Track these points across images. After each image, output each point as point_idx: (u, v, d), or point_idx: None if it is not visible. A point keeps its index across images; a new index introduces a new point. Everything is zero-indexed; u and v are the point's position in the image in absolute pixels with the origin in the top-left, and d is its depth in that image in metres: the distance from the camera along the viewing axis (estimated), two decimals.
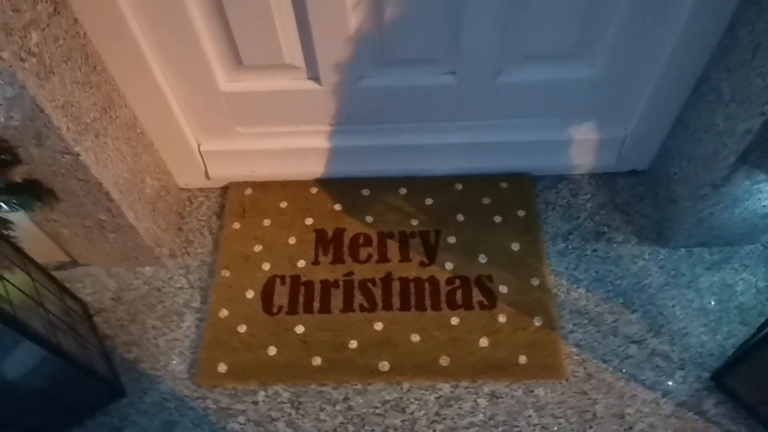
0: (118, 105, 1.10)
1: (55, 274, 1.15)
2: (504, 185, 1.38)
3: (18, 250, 1.03)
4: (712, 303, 1.22)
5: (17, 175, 0.99)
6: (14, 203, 0.99)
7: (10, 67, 0.82)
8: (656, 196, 1.34)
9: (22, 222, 1.10)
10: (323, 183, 1.40)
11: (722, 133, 1.07)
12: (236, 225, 1.34)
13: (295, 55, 1.13)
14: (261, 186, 1.40)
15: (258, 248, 1.31)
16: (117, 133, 1.09)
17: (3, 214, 1.00)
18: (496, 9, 1.03)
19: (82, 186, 1.03)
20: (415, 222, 1.34)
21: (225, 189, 1.41)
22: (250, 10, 1.02)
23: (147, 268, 1.29)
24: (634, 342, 1.17)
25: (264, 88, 1.20)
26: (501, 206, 1.35)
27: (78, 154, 0.96)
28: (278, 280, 1.27)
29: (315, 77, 1.18)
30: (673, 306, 1.21)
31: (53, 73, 0.90)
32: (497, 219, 1.33)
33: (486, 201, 1.36)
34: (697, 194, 1.16)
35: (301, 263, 1.29)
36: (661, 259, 1.27)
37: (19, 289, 0.94)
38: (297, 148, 1.33)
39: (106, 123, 1.05)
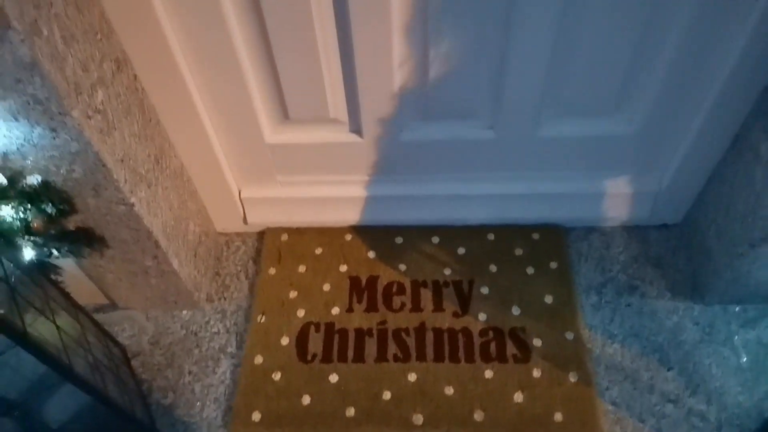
0: (169, 155, 1.14)
1: (95, 316, 1.17)
2: (536, 236, 1.39)
3: (66, 295, 1.06)
4: (749, 361, 1.21)
5: (71, 223, 1.02)
6: (66, 250, 1.01)
7: (78, 125, 0.85)
8: (689, 251, 1.35)
9: (67, 266, 1.13)
10: (358, 230, 1.42)
11: (760, 193, 1.08)
12: (272, 270, 1.36)
13: (339, 109, 1.17)
14: (297, 232, 1.42)
15: (293, 294, 1.33)
16: (167, 182, 1.13)
17: (53, 260, 1.02)
18: (538, 67, 1.06)
19: (133, 234, 1.06)
20: (448, 271, 1.35)
21: (261, 234, 1.43)
22: (300, 67, 1.07)
23: (184, 312, 1.31)
24: (671, 401, 1.16)
25: (307, 140, 1.23)
26: (533, 257, 1.36)
27: (132, 205, 0.99)
28: (313, 327, 1.28)
29: (357, 130, 1.22)
30: (709, 364, 1.20)
31: (115, 128, 0.94)
32: (530, 270, 1.34)
33: (518, 252, 1.37)
34: (733, 252, 1.17)
35: (336, 310, 1.30)
36: (696, 314, 1.27)
37: (68, 334, 0.96)
38: (334, 196, 1.36)
39: (157, 173, 1.09)
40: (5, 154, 0.91)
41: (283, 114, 1.18)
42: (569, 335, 1.24)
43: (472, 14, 0.97)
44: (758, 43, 0.97)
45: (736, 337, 1.24)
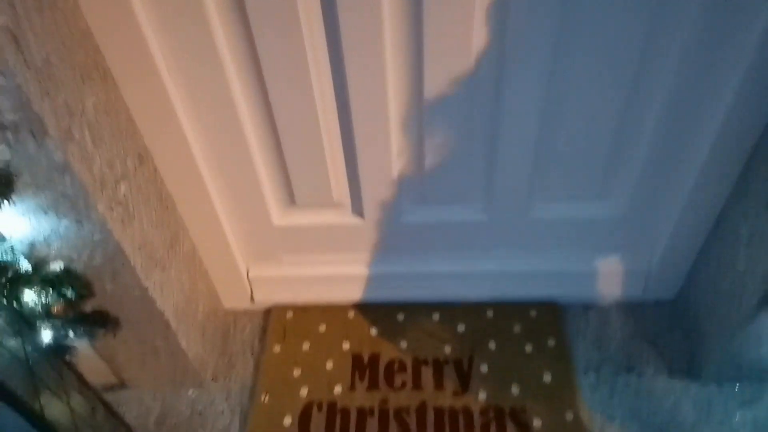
0: (182, 239, 1.21)
1: (103, 396, 1.20)
2: (533, 313, 1.43)
3: (79, 375, 1.09)
4: None
5: (88, 306, 1.08)
6: (82, 332, 1.06)
7: (102, 217, 0.93)
8: (684, 328, 1.37)
9: (80, 346, 1.17)
10: (360, 307, 1.46)
11: (743, 273, 1.12)
12: (277, 348, 1.40)
13: (342, 195, 1.25)
14: (301, 310, 1.47)
15: (297, 372, 1.35)
16: (180, 265, 1.19)
17: (69, 342, 1.07)
18: (524, 157, 1.14)
19: (146, 316, 1.11)
20: (448, 349, 1.38)
21: (267, 312, 1.48)
22: (305, 157, 1.16)
23: (190, 391, 1.33)
24: None
25: (312, 222, 1.31)
26: (531, 335, 1.39)
27: (147, 289, 1.05)
28: (315, 407, 1.30)
29: (359, 213, 1.29)
30: None
31: (134, 217, 1.02)
32: (528, 348, 1.37)
33: (516, 329, 1.40)
34: (723, 331, 1.19)
35: (338, 389, 1.32)
36: (693, 393, 1.28)
37: (80, 415, 1.00)
38: (337, 274, 1.42)
39: (171, 257, 1.15)
40: (32, 244, 0.98)
41: (290, 199, 1.26)
42: (569, 415, 1.25)
43: (461, 110, 1.07)
44: (733, 128, 1.03)
45: (735, 417, 1.24)
